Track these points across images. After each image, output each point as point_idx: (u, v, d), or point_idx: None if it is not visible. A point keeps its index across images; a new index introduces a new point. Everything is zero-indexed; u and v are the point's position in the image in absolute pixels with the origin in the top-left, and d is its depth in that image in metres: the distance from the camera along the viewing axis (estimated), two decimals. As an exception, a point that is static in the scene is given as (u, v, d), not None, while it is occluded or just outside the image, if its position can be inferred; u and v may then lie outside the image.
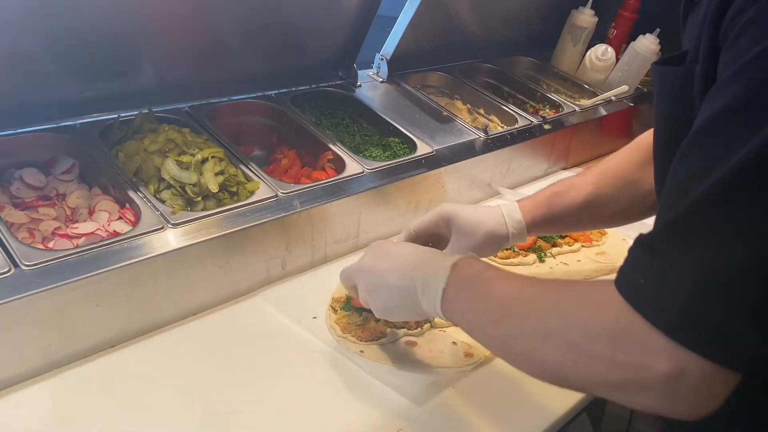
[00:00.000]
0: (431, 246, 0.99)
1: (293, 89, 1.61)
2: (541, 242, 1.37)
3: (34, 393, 0.92)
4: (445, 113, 1.71)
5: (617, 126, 2.10)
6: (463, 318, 0.78)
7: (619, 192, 1.05)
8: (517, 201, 1.11)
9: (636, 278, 0.60)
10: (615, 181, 1.05)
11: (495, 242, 1.07)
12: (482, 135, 1.65)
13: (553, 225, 1.10)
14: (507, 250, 1.35)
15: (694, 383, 0.57)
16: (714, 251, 0.55)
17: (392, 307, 0.88)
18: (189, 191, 1.15)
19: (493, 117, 1.84)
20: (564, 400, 0.96)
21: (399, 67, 1.83)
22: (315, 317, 1.12)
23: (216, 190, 1.17)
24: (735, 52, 0.55)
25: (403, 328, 1.08)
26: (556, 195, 1.09)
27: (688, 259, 0.56)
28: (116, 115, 1.29)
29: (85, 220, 1.11)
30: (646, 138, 1.08)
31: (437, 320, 1.10)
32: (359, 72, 1.74)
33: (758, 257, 0.53)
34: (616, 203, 1.07)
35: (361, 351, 1.04)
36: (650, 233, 0.61)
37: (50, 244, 1.05)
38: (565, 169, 1.90)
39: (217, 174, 1.20)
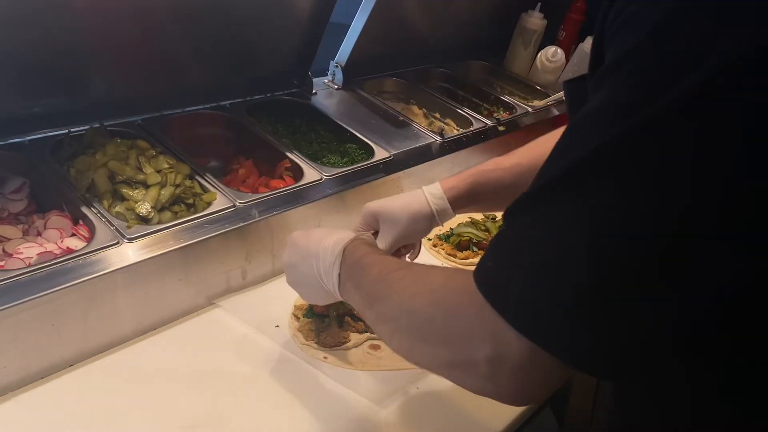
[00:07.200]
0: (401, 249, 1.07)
1: (248, 99, 1.60)
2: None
3: (-11, 418, 0.90)
4: (401, 118, 1.73)
5: (570, 125, 2.15)
6: (352, 300, 0.84)
7: None
8: (441, 180, 1.12)
9: (485, 262, 0.61)
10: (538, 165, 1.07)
11: (421, 222, 1.07)
12: (438, 138, 1.67)
13: (476, 203, 1.10)
14: (466, 250, 1.37)
15: (515, 366, 0.56)
16: (544, 236, 0.54)
17: (312, 294, 0.94)
18: (139, 208, 1.13)
19: (448, 120, 1.87)
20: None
21: (354, 74, 1.84)
22: (278, 326, 1.12)
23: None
24: (610, 54, 0.55)
25: (366, 332, 1.09)
26: (481, 173, 1.10)
27: (523, 241, 0.56)
28: (66, 131, 1.26)
29: (37, 238, 1.09)
30: None
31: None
32: (314, 80, 1.74)
33: (581, 249, 0.52)
34: None
35: (325, 357, 1.04)
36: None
37: (1, 263, 1.02)
38: (521, 169, 1.93)
39: (173, 186, 1.18)
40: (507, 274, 0.57)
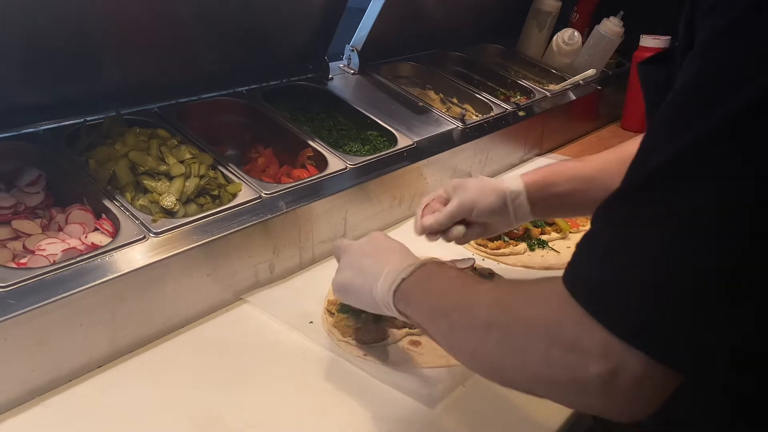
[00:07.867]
0: None
1: (264, 85, 1.55)
2: (531, 229, 1.36)
3: (17, 425, 0.85)
4: (420, 104, 1.68)
5: (586, 109, 2.11)
6: (414, 309, 0.80)
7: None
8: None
9: (579, 269, 0.57)
10: (622, 162, 1.03)
11: (490, 195, 1.04)
12: (459, 124, 1.63)
13: (553, 191, 1.06)
14: (497, 240, 1.33)
15: (631, 382, 0.53)
16: (643, 240, 0.52)
17: (349, 286, 0.90)
18: (164, 201, 1.08)
19: (466, 105, 1.82)
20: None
21: (369, 58, 1.78)
22: (311, 322, 1.07)
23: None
24: (704, 30, 0.52)
25: (404, 327, 1.05)
26: (558, 163, 1.10)
27: (623, 247, 0.53)
28: (82, 120, 1.20)
29: (58, 233, 1.03)
30: None
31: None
32: (330, 64, 1.69)
33: (682, 246, 0.50)
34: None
35: (364, 354, 0.99)
36: (591, 220, 0.58)
37: (23, 261, 0.97)
38: (539, 155, 1.90)
39: (198, 177, 1.13)
40: (609, 285, 0.53)
